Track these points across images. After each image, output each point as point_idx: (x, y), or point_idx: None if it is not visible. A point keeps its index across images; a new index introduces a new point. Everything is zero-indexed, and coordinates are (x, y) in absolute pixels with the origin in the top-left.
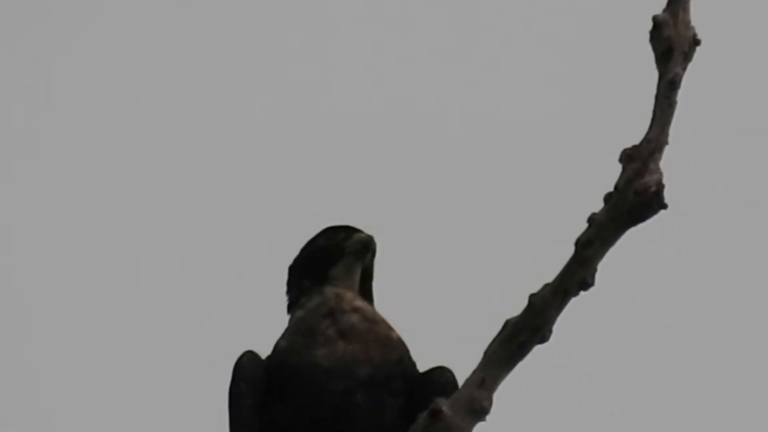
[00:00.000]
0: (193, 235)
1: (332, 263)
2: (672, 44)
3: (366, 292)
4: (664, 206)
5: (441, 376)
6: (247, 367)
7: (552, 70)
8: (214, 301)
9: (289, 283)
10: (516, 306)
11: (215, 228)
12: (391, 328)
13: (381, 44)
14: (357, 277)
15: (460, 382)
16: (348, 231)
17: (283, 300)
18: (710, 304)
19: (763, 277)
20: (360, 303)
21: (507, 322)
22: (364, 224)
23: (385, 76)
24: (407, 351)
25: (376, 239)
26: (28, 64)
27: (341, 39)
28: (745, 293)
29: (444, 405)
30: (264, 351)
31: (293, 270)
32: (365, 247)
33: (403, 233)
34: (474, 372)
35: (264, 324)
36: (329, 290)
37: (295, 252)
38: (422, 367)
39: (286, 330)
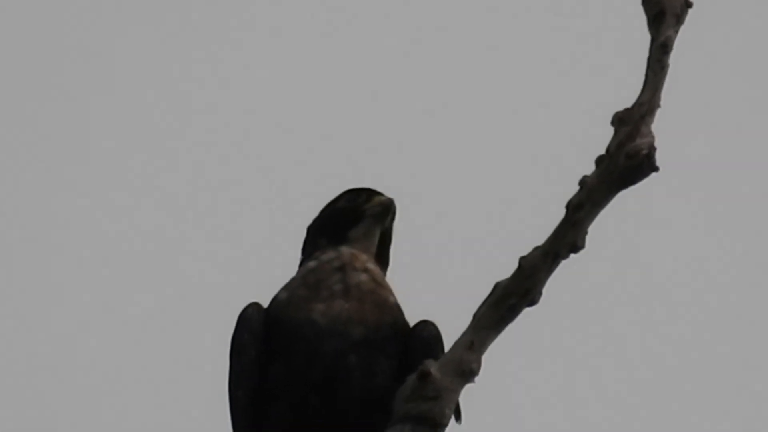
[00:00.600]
0: (212, 192)
1: (351, 225)
2: (664, 7)
3: (383, 256)
4: (656, 169)
5: (424, 330)
6: (252, 318)
7: (545, 33)
8: (229, 262)
9: (305, 242)
10: (506, 268)
11: (235, 190)
12: (391, 293)
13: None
14: (375, 240)
15: (449, 344)
16: (369, 193)
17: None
18: (701, 266)
19: (754, 239)
20: (372, 266)
21: (497, 285)
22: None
23: (392, 41)
24: (402, 315)
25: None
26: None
27: None
28: (736, 255)
29: (432, 367)
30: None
31: (311, 230)
32: (386, 210)
33: (392, 194)
34: (463, 334)
35: (276, 282)
36: (345, 249)
37: (313, 213)
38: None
39: (291, 281)
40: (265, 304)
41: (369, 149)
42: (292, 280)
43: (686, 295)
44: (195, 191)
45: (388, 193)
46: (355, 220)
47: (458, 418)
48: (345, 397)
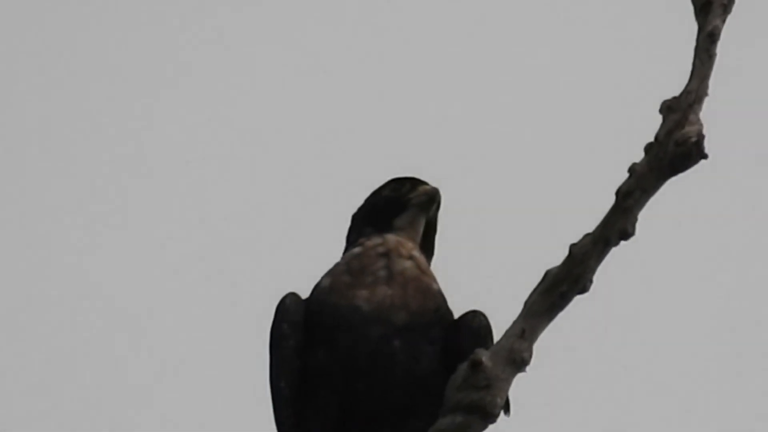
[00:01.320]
0: (255, 177)
1: (396, 214)
2: None
3: (428, 245)
4: (705, 156)
5: (474, 321)
6: (290, 308)
7: (594, 21)
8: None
9: (350, 231)
10: (556, 256)
11: (279, 179)
12: (435, 281)
13: None
14: (420, 229)
15: (500, 333)
16: (413, 182)
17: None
18: (751, 253)
19: None
20: (417, 254)
21: (547, 273)
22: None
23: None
24: (445, 301)
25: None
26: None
27: None
28: None
29: (484, 356)
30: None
31: (356, 218)
32: (431, 200)
33: (444, 184)
34: (514, 323)
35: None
36: (391, 236)
37: (357, 203)
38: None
39: (334, 267)
40: (307, 293)
41: (414, 137)
42: (336, 266)
43: (737, 281)
44: (237, 178)
45: (433, 182)
46: (400, 209)
47: (507, 410)
48: (389, 382)
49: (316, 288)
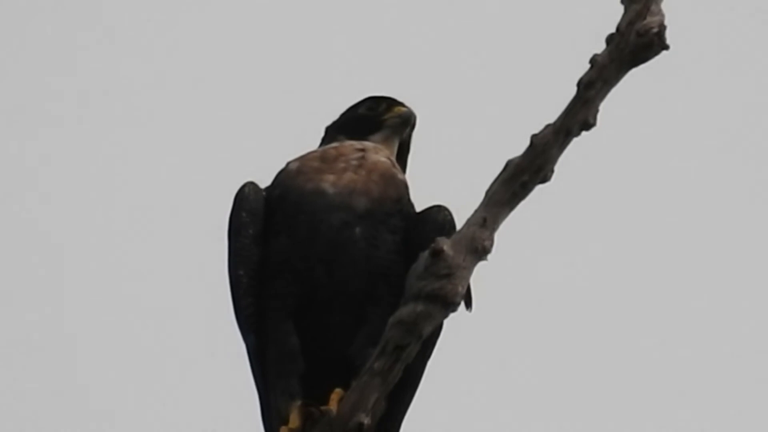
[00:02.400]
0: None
1: (372, 132)
2: None
3: (401, 164)
4: (666, 47)
5: (438, 214)
6: (249, 196)
7: None
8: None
9: (323, 140)
10: (518, 146)
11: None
12: (401, 172)
13: None
14: (395, 148)
15: (462, 222)
16: (390, 102)
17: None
18: (711, 142)
19: (761, 114)
20: (393, 160)
21: (509, 162)
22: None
23: None
24: (407, 193)
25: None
26: None
27: None
28: (747, 132)
29: (445, 244)
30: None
31: (331, 129)
32: (405, 123)
33: (406, 73)
34: (476, 212)
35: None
36: (369, 143)
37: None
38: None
39: (306, 154)
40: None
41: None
42: (308, 153)
43: (696, 170)
44: (210, 86)
45: (408, 102)
46: (375, 128)
47: (468, 305)
48: (349, 269)
49: (281, 172)
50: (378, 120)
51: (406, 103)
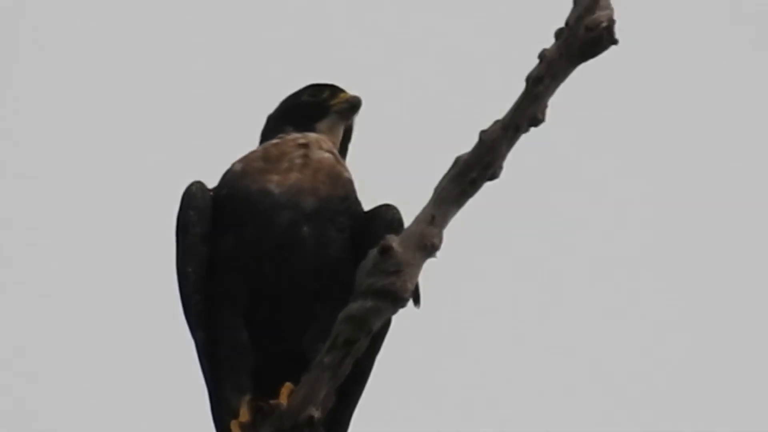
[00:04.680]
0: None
1: (317, 119)
2: None
3: (342, 150)
4: (615, 42)
5: (387, 213)
6: (196, 195)
7: None
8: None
9: (265, 130)
10: (467, 142)
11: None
12: (347, 170)
13: None
14: (340, 135)
15: (411, 219)
16: (333, 89)
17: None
18: (660, 137)
19: (710, 108)
20: (336, 151)
21: (458, 159)
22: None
23: None
24: (354, 191)
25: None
26: None
27: None
28: (696, 126)
29: (394, 241)
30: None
31: (273, 119)
32: (352, 108)
33: (353, 67)
34: (424, 209)
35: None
36: (312, 134)
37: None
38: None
39: (248, 154)
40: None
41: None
42: (251, 153)
43: (645, 165)
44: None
45: (350, 89)
46: (321, 115)
47: (417, 301)
48: (298, 267)
49: (227, 173)
50: (324, 106)
51: (349, 90)
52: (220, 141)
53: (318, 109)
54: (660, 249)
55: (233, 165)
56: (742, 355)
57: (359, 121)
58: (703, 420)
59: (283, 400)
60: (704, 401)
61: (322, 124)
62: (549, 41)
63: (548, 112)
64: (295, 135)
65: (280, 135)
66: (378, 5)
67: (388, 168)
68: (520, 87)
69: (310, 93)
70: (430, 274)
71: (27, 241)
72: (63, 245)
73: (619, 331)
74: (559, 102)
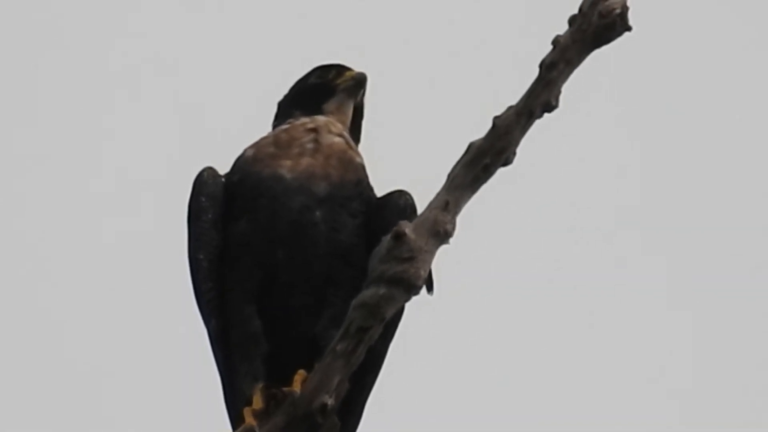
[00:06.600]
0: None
1: (324, 99)
2: None
3: (355, 130)
4: (629, 28)
5: (400, 199)
6: (207, 181)
7: None
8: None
9: (276, 116)
10: (480, 128)
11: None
12: (359, 155)
13: None
14: (349, 114)
15: (424, 205)
16: (339, 69)
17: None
18: (673, 123)
19: (725, 93)
20: (346, 134)
21: (471, 145)
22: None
23: None
24: (366, 176)
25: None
26: None
27: None
28: (710, 113)
29: (407, 228)
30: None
31: (283, 104)
32: (358, 84)
33: (366, 53)
34: (437, 195)
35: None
36: (321, 117)
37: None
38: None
39: (259, 140)
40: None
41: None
42: (261, 139)
43: (658, 149)
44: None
45: (358, 68)
46: (328, 95)
47: (430, 288)
48: (310, 252)
49: (239, 159)
50: (330, 86)
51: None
52: (232, 127)
53: (325, 90)
54: (674, 233)
55: (245, 151)
56: (742, 355)
57: (372, 105)
58: (703, 420)
59: (296, 387)
60: (704, 401)
61: (330, 104)
62: (563, 27)
63: (561, 97)
64: (303, 119)
65: (289, 120)
66: None
67: (402, 154)
68: (534, 73)
69: (317, 75)
70: (443, 261)
71: (37, 227)
72: (72, 233)
73: (640, 317)
74: (572, 88)
